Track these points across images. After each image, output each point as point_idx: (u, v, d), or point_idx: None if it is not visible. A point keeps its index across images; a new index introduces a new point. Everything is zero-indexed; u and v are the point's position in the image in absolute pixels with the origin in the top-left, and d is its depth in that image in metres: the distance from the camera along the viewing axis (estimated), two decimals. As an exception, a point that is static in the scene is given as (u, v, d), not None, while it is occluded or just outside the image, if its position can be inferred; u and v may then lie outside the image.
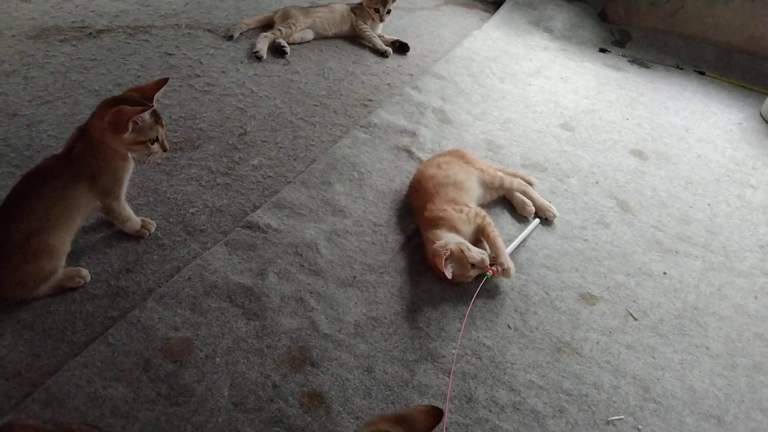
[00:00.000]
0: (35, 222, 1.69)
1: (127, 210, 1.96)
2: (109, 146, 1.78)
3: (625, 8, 4.67)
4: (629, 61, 4.28)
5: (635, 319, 2.17)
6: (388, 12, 3.65)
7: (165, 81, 1.85)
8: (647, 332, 2.13)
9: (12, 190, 1.74)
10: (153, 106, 1.77)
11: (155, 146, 1.82)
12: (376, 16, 3.63)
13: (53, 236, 1.73)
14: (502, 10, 4.54)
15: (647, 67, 4.26)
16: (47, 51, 2.89)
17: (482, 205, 2.42)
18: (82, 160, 1.76)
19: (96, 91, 2.68)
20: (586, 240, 2.46)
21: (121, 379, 1.63)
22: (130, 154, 1.87)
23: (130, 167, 1.90)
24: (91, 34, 3.10)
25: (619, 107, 3.55)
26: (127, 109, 1.70)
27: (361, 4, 3.66)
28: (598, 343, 2.04)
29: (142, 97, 1.79)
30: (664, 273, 2.39)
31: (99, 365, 1.64)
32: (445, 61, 3.61)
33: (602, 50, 4.38)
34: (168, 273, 1.95)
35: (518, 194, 2.50)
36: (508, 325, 2.03)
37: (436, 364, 1.85)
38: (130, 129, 1.72)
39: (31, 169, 1.80)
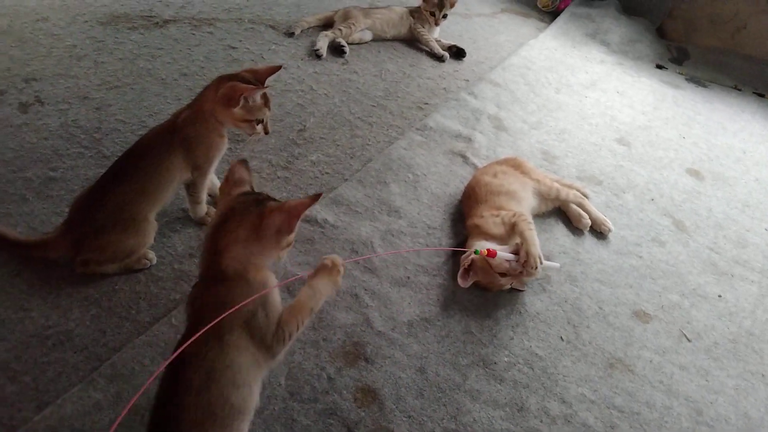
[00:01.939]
0: (132, 194, 1.77)
1: (205, 194, 2.03)
2: (214, 120, 1.87)
3: (684, 25, 4.60)
4: (686, 79, 4.21)
5: (689, 341, 2.14)
6: (444, 16, 3.65)
7: (279, 68, 1.93)
8: (701, 354, 2.10)
9: (115, 162, 1.84)
10: (265, 87, 1.84)
11: (259, 127, 1.91)
12: (431, 19, 3.64)
13: (144, 211, 1.81)
14: (558, 21, 4.52)
15: (704, 86, 4.19)
16: (117, 38, 2.97)
17: (537, 216, 2.42)
18: (184, 128, 1.85)
19: (162, 79, 2.75)
20: (640, 257, 2.43)
21: (182, 361, 1.66)
22: (226, 133, 1.97)
23: (224, 148, 1.98)
24: (158, 23, 3.17)
25: (676, 125, 3.50)
26: (241, 86, 1.79)
27: (419, 7, 3.68)
28: (651, 361, 2.02)
29: (255, 78, 1.86)
30: (719, 296, 2.36)
31: (162, 345, 1.69)
32: (501, 69, 3.61)
33: (659, 66, 4.32)
34: (229, 260, 1.99)
35: (574, 206, 2.49)
36: (561, 337, 2.02)
37: (488, 370, 1.85)
38: (240, 104, 1.80)
39: (135, 143, 1.88)
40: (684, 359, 2.06)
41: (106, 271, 1.84)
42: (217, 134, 1.92)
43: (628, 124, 3.38)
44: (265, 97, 1.88)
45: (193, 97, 1.94)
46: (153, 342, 1.69)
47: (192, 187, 1.99)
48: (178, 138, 1.85)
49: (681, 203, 2.82)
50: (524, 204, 2.34)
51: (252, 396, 1.31)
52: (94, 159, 2.24)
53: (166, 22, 3.20)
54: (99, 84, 2.63)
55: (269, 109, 1.92)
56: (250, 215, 1.33)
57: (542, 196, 2.43)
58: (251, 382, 1.30)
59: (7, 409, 1.50)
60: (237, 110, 1.82)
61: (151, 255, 1.91)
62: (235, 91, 1.78)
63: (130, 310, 1.78)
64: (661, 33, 4.69)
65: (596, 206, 2.57)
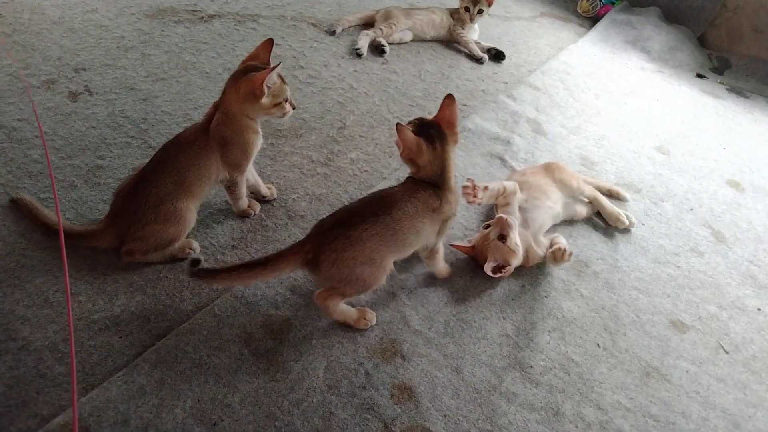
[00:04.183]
0: (171, 186, 1.80)
1: (245, 188, 2.06)
2: (246, 118, 1.89)
3: (727, 35, 4.53)
4: (727, 89, 4.15)
5: (726, 353, 2.11)
6: (479, 12, 3.60)
7: (270, 41, 1.93)
8: (739, 367, 2.07)
9: (154, 155, 1.87)
10: (278, 64, 1.82)
11: (287, 105, 1.90)
12: (466, 15, 3.62)
13: (183, 202, 1.84)
14: (599, 26, 4.48)
15: (746, 96, 4.11)
16: (163, 31, 3.03)
17: (578, 222, 2.44)
18: (218, 132, 1.87)
19: (207, 73, 2.79)
20: (679, 266, 2.41)
21: (224, 350, 1.70)
22: (260, 129, 1.97)
23: (260, 143, 1.99)
24: (203, 18, 3.23)
25: (716, 135, 3.45)
26: (257, 74, 1.78)
27: (458, 9, 3.68)
28: (687, 372, 2.00)
29: (261, 63, 1.87)
30: (758, 309, 2.32)
31: (205, 334, 1.72)
32: (540, 73, 3.59)
33: (699, 76, 4.26)
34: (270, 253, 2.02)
35: (609, 207, 2.48)
36: (598, 344, 2.01)
37: (524, 373, 1.85)
38: (266, 92, 1.80)
39: (172, 137, 1.91)
40: (721, 371, 2.04)
41: (150, 260, 1.89)
42: (252, 131, 1.93)
43: (668, 132, 3.34)
44: (279, 74, 1.87)
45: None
46: (196, 330, 1.73)
47: (232, 186, 2.02)
48: (214, 140, 1.87)
49: (720, 214, 2.78)
50: (552, 197, 2.34)
51: None
52: (141, 149, 2.29)
53: (211, 16, 3.25)
54: (146, 76, 2.69)
55: (287, 84, 1.90)
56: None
57: (569, 190, 2.42)
58: None
59: (55, 389, 1.54)
60: (264, 99, 1.82)
61: (195, 245, 1.95)
62: (255, 82, 1.78)
63: (173, 297, 1.82)
64: (702, 42, 4.62)
65: (634, 214, 2.56)
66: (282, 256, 1.66)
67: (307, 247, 1.67)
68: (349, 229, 1.66)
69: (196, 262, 1.60)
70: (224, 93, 1.88)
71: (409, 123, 1.79)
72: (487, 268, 2.03)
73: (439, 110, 1.84)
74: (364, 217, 1.68)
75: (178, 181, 1.82)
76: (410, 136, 1.71)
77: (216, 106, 1.90)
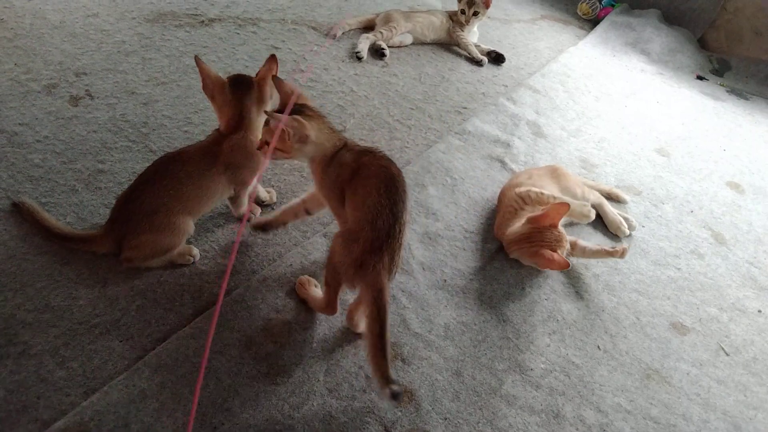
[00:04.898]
0: (165, 199, 1.80)
1: (246, 197, 2.06)
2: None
3: (727, 36, 4.53)
4: (727, 91, 4.15)
5: (727, 355, 2.11)
6: (475, 14, 3.59)
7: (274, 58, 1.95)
8: (739, 369, 2.07)
9: (153, 164, 1.86)
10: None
11: None
12: (462, 17, 3.62)
13: (178, 215, 1.83)
14: (598, 29, 4.49)
15: (746, 98, 4.12)
16: (163, 35, 3.04)
17: (577, 225, 2.43)
18: (232, 154, 1.88)
19: (207, 76, 2.80)
20: (679, 269, 2.41)
21: (225, 353, 1.70)
22: None
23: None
24: (203, 22, 3.23)
25: (716, 137, 3.46)
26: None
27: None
28: (688, 374, 2.00)
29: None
30: (759, 311, 2.32)
31: (205, 338, 1.72)
32: (540, 75, 3.60)
33: (699, 77, 4.26)
34: (270, 257, 2.03)
35: (612, 213, 2.48)
36: (598, 346, 2.01)
37: (524, 376, 1.86)
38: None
39: (174, 151, 1.91)
40: (722, 373, 2.04)
41: (150, 265, 1.89)
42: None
43: (668, 134, 3.35)
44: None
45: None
46: (196, 334, 1.73)
47: (236, 199, 2.02)
48: (223, 162, 1.87)
49: (720, 216, 2.78)
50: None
51: None
52: (141, 153, 2.30)
53: (212, 20, 3.26)
54: (146, 80, 2.70)
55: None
56: None
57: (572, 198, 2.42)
58: None
59: (56, 393, 1.55)
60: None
61: (196, 252, 1.94)
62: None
63: (174, 302, 1.82)
64: (702, 44, 4.62)
65: (634, 216, 2.57)
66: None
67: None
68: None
69: (396, 395, 1.47)
70: (244, 114, 1.90)
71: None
72: (547, 254, 2.04)
73: (280, 98, 1.80)
74: None
75: (175, 196, 1.80)
76: (286, 116, 1.63)
77: (223, 130, 1.92)
